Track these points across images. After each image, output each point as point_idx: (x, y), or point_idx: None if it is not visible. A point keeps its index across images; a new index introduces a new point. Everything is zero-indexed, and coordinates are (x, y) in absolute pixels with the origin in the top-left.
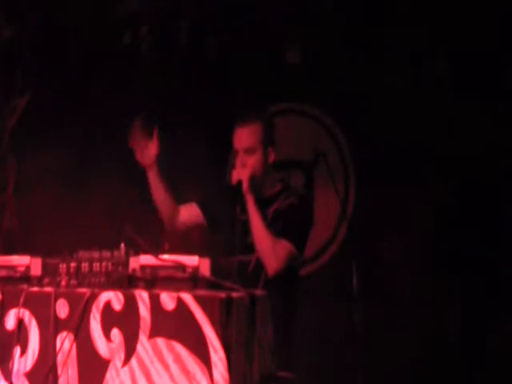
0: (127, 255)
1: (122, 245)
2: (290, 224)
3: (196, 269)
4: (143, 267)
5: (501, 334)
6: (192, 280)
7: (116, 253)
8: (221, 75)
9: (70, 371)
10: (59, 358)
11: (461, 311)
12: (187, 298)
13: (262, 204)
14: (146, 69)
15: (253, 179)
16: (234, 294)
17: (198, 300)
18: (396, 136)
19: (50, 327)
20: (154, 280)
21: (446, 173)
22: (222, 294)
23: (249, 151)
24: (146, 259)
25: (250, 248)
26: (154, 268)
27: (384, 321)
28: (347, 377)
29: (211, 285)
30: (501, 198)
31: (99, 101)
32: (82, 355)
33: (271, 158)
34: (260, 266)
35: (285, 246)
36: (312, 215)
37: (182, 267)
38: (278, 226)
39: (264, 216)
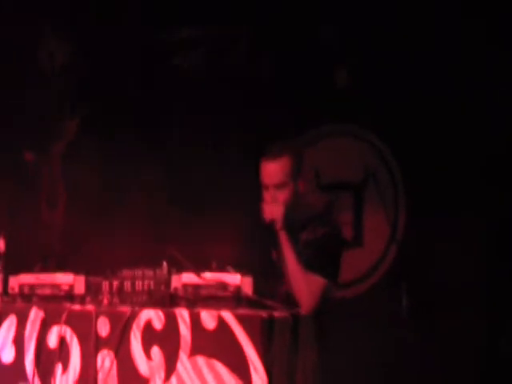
0: (169, 274)
1: (165, 263)
2: (324, 254)
3: (238, 287)
4: (185, 286)
5: None
6: (234, 299)
7: (158, 271)
8: (274, 96)
9: None
10: (100, 376)
11: None
12: (228, 316)
13: (293, 231)
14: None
15: (286, 216)
16: (277, 314)
17: (240, 319)
18: (447, 158)
19: (91, 345)
20: (195, 299)
21: (499, 198)
22: (264, 314)
23: (279, 186)
24: (188, 278)
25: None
26: (195, 287)
27: (434, 342)
28: None
29: (253, 304)
30: None
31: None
32: (122, 373)
33: (301, 188)
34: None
35: (318, 282)
36: (343, 243)
37: (223, 286)
38: (310, 255)
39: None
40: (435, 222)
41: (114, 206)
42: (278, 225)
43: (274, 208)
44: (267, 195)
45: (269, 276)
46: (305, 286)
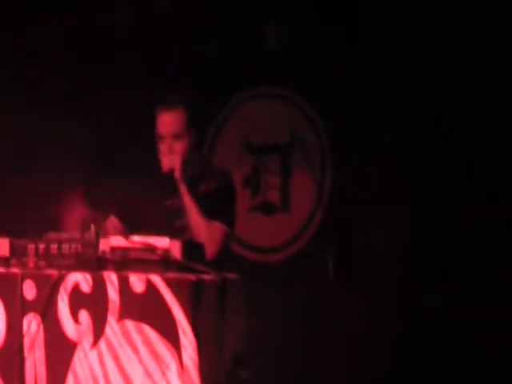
0: (97, 237)
1: (93, 226)
2: (219, 205)
3: (167, 251)
4: (113, 249)
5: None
6: (162, 262)
7: (86, 234)
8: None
9: (37, 353)
10: (26, 340)
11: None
12: (157, 280)
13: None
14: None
15: (183, 165)
16: (205, 277)
17: (168, 282)
18: (373, 120)
19: (17, 308)
20: (124, 262)
21: (425, 157)
22: (193, 277)
23: (176, 137)
24: (117, 241)
25: (178, 232)
26: (124, 250)
27: (360, 305)
28: (321, 364)
29: (182, 267)
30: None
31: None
32: (49, 337)
33: (195, 140)
34: None
35: (219, 228)
36: (235, 191)
37: (152, 249)
38: (207, 208)
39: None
40: (361, 185)
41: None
42: (177, 173)
43: (172, 157)
44: (163, 146)
45: (168, 227)
46: (206, 231)
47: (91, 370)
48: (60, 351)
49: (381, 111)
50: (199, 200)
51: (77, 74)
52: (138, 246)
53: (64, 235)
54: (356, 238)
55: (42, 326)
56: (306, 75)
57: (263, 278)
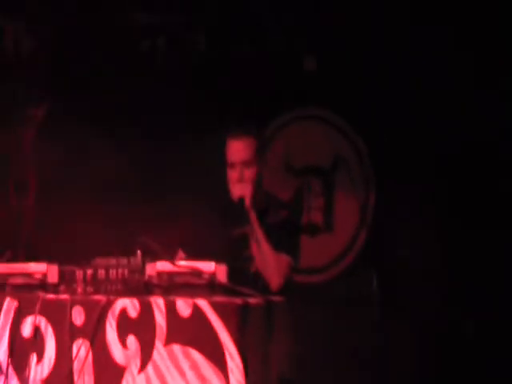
0: (144, 262)
1: (139, 251)
2: (286, 237)
3: (213, 275)
4: (160, 274)
5: None
6: (209, 286)
7: (132, 259)
8: (238, 85)
9: (86, 378)
10: (75, 366)
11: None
12: (203, 304)
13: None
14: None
15: (254, 194)
16: (251, 301)
17: (215, 306)
18: (414, 140)
19: (66, 334)
20: (170, 286)
21: (467, 179)
22: (239, 301)
23: (247, 164)
24: (163, 266)
25: (245, 261)
26: (170, 274)
27: (401, 325)
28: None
29: (228, 291)
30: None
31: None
32: (97, 362)
33: (262, 169)
34: (257, 279)
35: (286, 261)
36: (301, 224)
37: (198, 273)
38: (275, 240)
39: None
40: (403, 207)
41: (84, 193)
42: (247, 201)
43: (243, 185)
44: (234, 174)
45: (235, 257)
46: (275, 263)
47: None
48: (108, 376)
49: (421, 131)
50: (267, 232)
51: None
52: (184, 270)
53: (111, 261)
54: (399, 258)
55: (90, 352)
56: (346, 96)
57: (307, 299)
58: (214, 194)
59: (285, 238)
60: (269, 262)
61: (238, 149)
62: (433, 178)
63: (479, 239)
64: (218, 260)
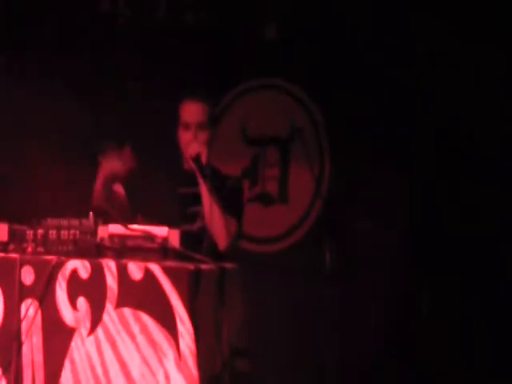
0: (96, 224)
1: (91, 213)
2: (232, 203)
3: (165, 239)
4: (112, 236)
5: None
6: (161, 251)
7: (85, 221)
8: (197, 50)
9: (34, 339)
10: (23, 326)
11: (433, 290)
12: (155, 268)
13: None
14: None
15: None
16: (203, 266)
17: (166, 271)
18: (372, 114)
19: (15, 294)
20: (122, 249)
21: (424, 152)
22: (191, 266)
23: (201, 126)
24: (115, 228)
25: (189, 219)
26: (122, 237)
27: (355, 299)
28: (316, 353)
29: (181, 256)
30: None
31: (72, 68)
32: (46, 323)
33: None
34: (201, 237)
35: (234, 224)
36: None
37: (151, 237)
38: (223, 203)
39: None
40: (359, 178)
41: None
42: (204, 159)
43: (198, 144)
44: (188, 134)
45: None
46: (224, 225)
47: (88, 357)
48: (57, 337)
49: (379, 105)
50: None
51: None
52: (137, 233)
53: (63, 221)
54: (353, 230)
55: (39, 312)
56: (305, 67)
57: (260, 268)
58: (162, 156)
59: (230, 202)
60: (217, 222)
61: (193, 110)
62: (388, 151)
63: (437, 210)
64: (165, 218)
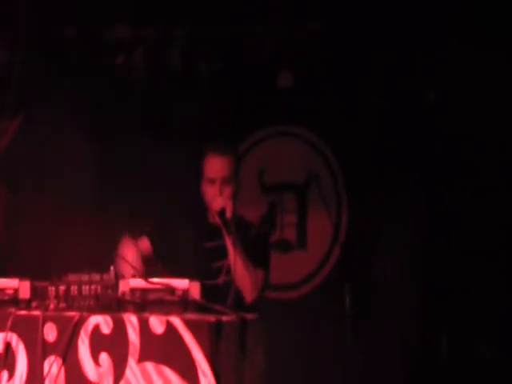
0: (117, 278)
1: (112, 268)
2: (260, 252)
3: (186, 292)
4: (133, 290)
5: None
6: (182, 303)
7: (105, 276)
8: (212, 100)
9: None
10: (47, 383)
11: (451, 335)
12: (176, 321)
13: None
14: (137, 94)
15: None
16: (224, 318)
17: (188, 324)
18: (388, 159)
19: (38, 351)
20: (143, 303)
21: (439, 196)
22: (212, 318)
23: (226, 181)
24: (136, 282)
25: (215, 272)
26: (143, 291)
27: (375, 342)
28: None
29: (201, 308)
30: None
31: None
32: (70, 379)
33: (238, 188)
34: (226, 290)
35: (261, 276)
36: (270, 240)
37: (171, 290)
38: (247, 255)
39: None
40: (377, 224)
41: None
42: (229, 214)
43: (223, 199)
44: (213, 189)
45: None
46: (253, 278)
47: None
48: None
49: (394, 150)
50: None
51: None
52: (158, 287)
53: (84, 277)
54: (372, 274)
55: (62, 369)
56: (320, 114)
57: (280, 316)
58: (187, 208)
59: (256, 253)
60: (245, 274)
61: (218, 165)
62: (406, 194)
63: (453, 257)
64: (190, 272)
